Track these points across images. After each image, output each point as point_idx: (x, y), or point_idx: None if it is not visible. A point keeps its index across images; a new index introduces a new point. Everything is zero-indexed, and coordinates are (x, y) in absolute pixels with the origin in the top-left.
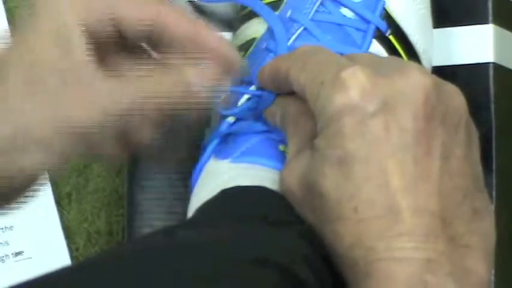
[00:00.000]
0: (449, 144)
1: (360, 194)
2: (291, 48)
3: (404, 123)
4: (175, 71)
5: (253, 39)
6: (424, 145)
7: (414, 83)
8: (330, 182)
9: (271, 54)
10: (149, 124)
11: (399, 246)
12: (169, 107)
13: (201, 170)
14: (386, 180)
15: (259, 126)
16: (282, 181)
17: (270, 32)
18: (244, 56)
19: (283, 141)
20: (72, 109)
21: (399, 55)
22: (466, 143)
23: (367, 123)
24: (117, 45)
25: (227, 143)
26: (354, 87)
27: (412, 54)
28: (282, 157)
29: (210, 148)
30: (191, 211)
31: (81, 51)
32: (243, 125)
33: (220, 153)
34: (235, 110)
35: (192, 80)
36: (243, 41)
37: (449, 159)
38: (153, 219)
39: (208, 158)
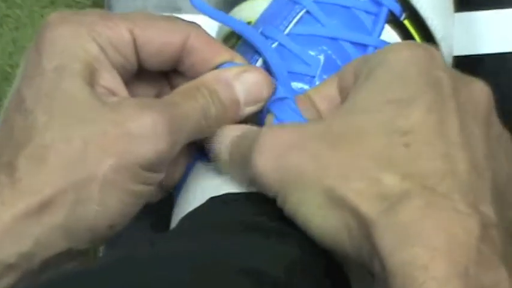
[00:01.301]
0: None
1: None
2: (292, 35)
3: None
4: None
5: (248, 23)
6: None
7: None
8: None
9: (269, 41)
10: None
11: None
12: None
13: (186, 174)
14: None
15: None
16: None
17: (265, 16)
18: (236, 42)
19: None
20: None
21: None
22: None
23: None
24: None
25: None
26: None
27: (430, 41)
28: None
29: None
30: (175, 221)
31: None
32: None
33: (209, 156)
34: None
35: (240, 97)
36: None
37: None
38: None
39: (195, 162)
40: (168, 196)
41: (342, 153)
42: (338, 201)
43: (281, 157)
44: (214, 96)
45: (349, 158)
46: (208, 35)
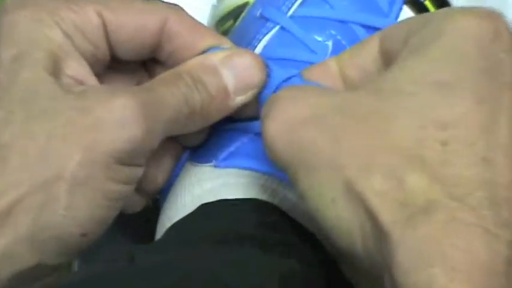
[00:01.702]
0: None
1: None
2: (296, 18)
3: None
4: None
5: (246, 4)
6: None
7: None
8: None
9: (269, 24)
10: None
11: None
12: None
13: (174, 177)
14: None
15: (257, 126)
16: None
17: None
18: (234, 24)
19: None
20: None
21: None
22: None
23: None
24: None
25: (209, 141)
26: None
27: None
28: None
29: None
30: (160, 231)
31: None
32: (232, 125)
33: (200, 154)
34: None
35: (228, 84)
36: (233, 6)
37: None
38: None
39: (184, 163)
40: (154, 202)
41: (366, 139)
42: (355, 197)
43: (295, 129)
44: (199, 83)
45: (373, 147)
46: (191, 17)
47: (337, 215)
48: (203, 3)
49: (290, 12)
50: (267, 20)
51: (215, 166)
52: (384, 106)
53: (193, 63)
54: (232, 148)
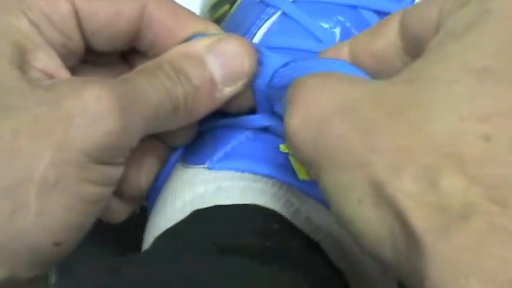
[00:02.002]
0: None
1: None
2: (299, 3)
3: None
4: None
5: None
6: None
7: None
8: None
9: (270, 10)
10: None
11: None
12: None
13: (163, 181)
14: None
15: (255, 121)
16: None
17: None
18: (229, 10)
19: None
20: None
21: None
22: None
23: None
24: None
25: (203, 140)
26: None
27: None
28: (284, 161)
29: (177, 150)
30: (148, 240)
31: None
32: (228, 120)
33: (192, 155)
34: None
35: (215, 74)
36: None
37: None
38: None
39: (174, 164)
40: (141, 210)
41: (399, 134)
42: (384, 199)
43: (322, 120)
44: (181, 74)
45: (406, 144)
46: (173, 1)
47: (364, 218)
48: None
49: None
50: (268, 5)
51: (209, 168)
52: (419, 97)
53: (175, 52)
54: (228, 148)
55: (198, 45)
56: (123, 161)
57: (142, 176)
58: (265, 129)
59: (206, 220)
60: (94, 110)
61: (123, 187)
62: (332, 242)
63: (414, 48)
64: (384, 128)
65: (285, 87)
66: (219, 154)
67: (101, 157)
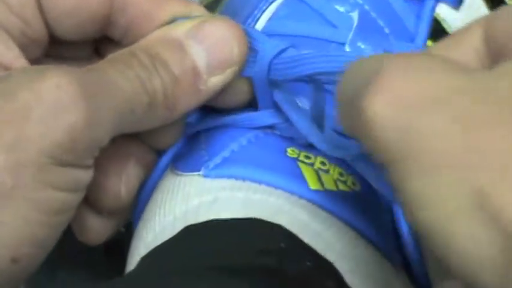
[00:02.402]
0: None
1: None
2: None
3: None
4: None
5: None
6: None
7: None
8: None
9: None
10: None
11: None
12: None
13: (150, 191)
14: None
15: (258, 119)
16: None
17: None
18: None
19: (294, 141)
20: None
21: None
22: None
23: None
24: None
25: (197, 143)
26: None
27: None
28: (292, 168)
29: (166, 154)
30: (133, 261)
31: None
32: (227, 119)
33: (185, 160)
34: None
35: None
36: None
37: None
38: None
39: (163, 170)
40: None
41: (505, 133)
42: (490, 214)
43: (412, 112)
44: (158, 62)
45: None
46: None
47: (461, 233)
48: None
49: None
50: None
51: (204, 176)
52: None
53: (151, 38)
54: (226, 152)
55: (178, 30)
56: (91, 163)
57: (123, 185)
58: (269, 128)
59: (200, 237)
60: (53, 100)
61: (101, 199)
62: (348, 263)
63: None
64: (490, 126)
65: (290, 82)
66: (216, 160)
67: (64, 157)
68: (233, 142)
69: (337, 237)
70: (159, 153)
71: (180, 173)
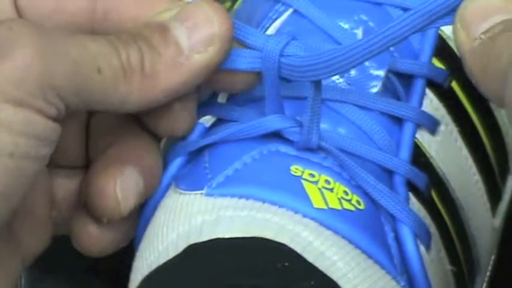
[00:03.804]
0: None
1: None
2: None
3: None
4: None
5: None
6: None
7: None
8: None
9: (280, 7)
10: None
11: None
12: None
13: (153, 209)
14: None
15: (266, 124)
16: None
17: None
18: (232, 7)
19: (299, 159)
20: None
21: None
22: None
23: None
24: None
25: (200, 160)
26: None
27: None
28: (296, 186)
29: (169, 172)
30: (136, 280)
31: None
32: (231, 128)
33: (188, 178)
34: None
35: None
36: None
37: None
38: None
39: (166, 189)
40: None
41: None
42: None
43: None
44: (139, 37)
45: None
46: None
47: None
48: None
49: None
50: (277, 1)
51: (207, 195)
52: None
53: (135, 25)
54: (229, 171)
55: (163, 15)
56: (50, 111)
57: (119, 188)
58: (277, 134)
59: (203, 257)
60: (2, 38)
61: (98, 203)
62: (352, 282)
63: None
64: None
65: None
66: (219, 178)
67: (14, 94)
68: (237, 160)
69: (340, 256)
70: (163, 166)
71: (183, 191)
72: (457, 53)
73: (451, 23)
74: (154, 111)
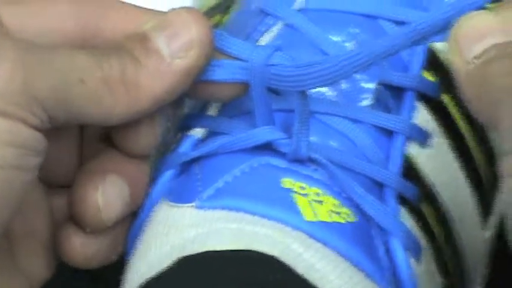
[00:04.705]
0: None
1: None
2: (306, 11)
3: None
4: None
5: None
6: None
7: None
8: None
9: (270, 20)
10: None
11: None
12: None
13: (143, 221)
14: None
15: (256, 136)
16: None
17: None
18: (221, 21)
19: (290, 171)
20: None
21: None
22: None
23: None
24: None
25: (190, 173)
26: None
27: None
28: (286, 199)
29: (159, 184)
30: None
31: None
32: (222, 140)
33: (179, 191)
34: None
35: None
36: None
37: None
38: None
39: (157, 201)
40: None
41: None
42: None
43: None
44: (122, 51)
45: None
46: (120, 3)
47: None
48: None
49: (297, 4)
50: (267, 14)
51: (198, 207)
52: None
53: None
54: (220, 183)
55: (144, 26)
56: (39, 123)
57: (100, 195)
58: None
59: (195, 269)
60: None
61: (80, 211)
62: None
63: None
64: None
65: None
66: (210, 191)
67: None
68: (227, 173)
69: (330, 268)
70: (153, 178)
71: (173, 204)
72: (447, 66)
73: (444, 39)
74: (122, 126)
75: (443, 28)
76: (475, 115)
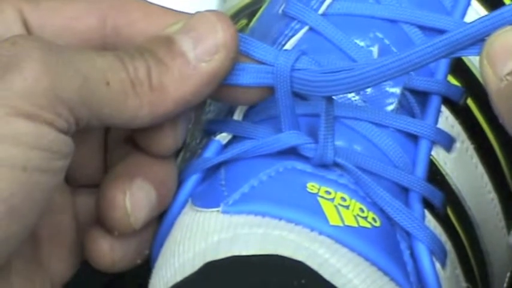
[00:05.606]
0: None
1: None
2: (330, 16)
3: None
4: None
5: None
6: None
7: None
8: None
9: (295, 25)
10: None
11: None
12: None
13: (170, 226)
14: None
15: (281, 141)
16: None
17: None
18: (247, 25)
19: (315, 176)
20: None
21: None
22: None
23: None
24: None
25: (216, 177)
26: None
27: None
28: (312, 204)
29: (185, 189)
30: None
31: None
32: (247, 145)
33: (204, 195)
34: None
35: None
36: (247, 2)
37: None
38: None
39: (182, 206)
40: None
41: None
42: None
43: None
44: (147, 53)
45: None
46: (141, 1)
47: None
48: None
49: (323, 9)
50: (292, 18)
51: (223, 212)
52: None
53: (143, 39)
54: (245, 188)
55: (170, 29)
56: (65, 126)
57: (128, 199)
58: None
59: (220, 274)
60: (7, 54)
61: (108, 215)
62: None
63: None
64: None
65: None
66: (235, 195)
67: (21, 107)
68: (253, 178)
69: (356, 273)
70: (179, 182)
71: (199, 209)
72: (473, 70)
73: (476, 53)
74: (144, 128)
75: (475, 41)
76: (508, 130)
